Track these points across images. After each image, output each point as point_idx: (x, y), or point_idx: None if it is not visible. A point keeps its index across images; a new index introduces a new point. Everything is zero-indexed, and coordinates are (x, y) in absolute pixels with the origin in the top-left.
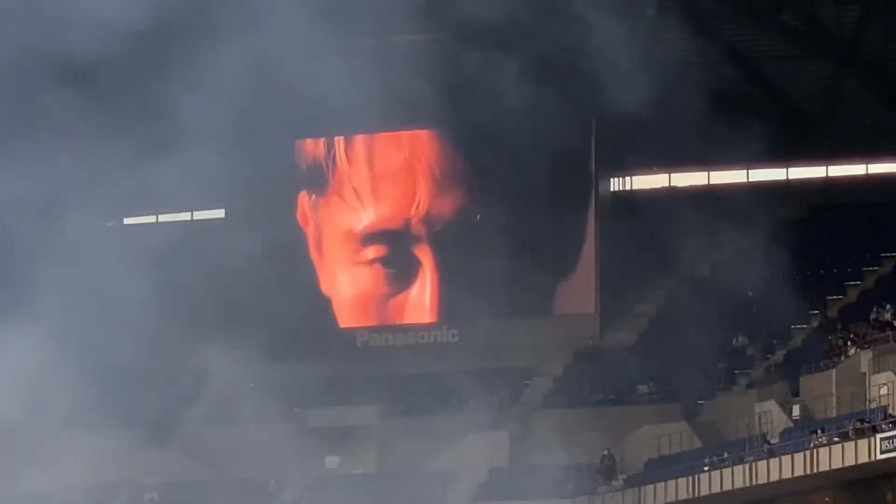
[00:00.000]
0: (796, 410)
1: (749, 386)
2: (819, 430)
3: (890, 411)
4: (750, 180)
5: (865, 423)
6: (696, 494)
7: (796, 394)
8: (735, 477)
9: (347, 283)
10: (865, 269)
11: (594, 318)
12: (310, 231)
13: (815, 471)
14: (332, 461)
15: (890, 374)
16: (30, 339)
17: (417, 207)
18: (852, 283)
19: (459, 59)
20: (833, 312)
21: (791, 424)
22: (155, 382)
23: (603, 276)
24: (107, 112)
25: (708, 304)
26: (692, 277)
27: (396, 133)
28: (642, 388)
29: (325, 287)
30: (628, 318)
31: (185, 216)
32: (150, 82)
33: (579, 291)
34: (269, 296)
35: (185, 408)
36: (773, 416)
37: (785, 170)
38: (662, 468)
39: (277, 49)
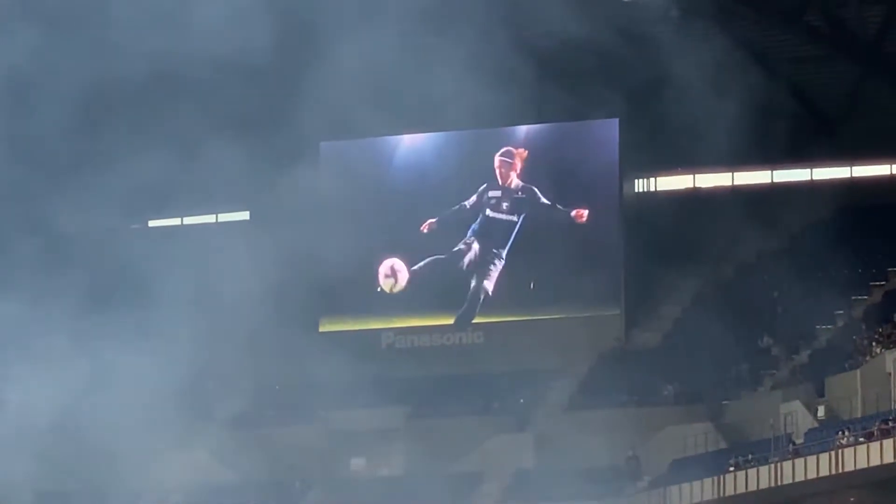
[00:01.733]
0: (821, 411)
1: (774, 386)
2: (844, 431)
3: None
4: (774, 181)
5: (891, 424)
6: (722, 495)
7: (821, 394)
8: (760, 477)
9: None
10: (890, 269)
11: (619, 320)
12: None
13: (840, 471)
14: (357, 463)
15: None
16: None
17: None
18: (877, 283)
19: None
20: (858, 313)
21: (816, 425)
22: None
23: (627, 278)
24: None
25: (732, 304)
26: (717, 278)
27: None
28: (667, 389)
29: None
30: (653, 320)
31: (210, 218)
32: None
33: (604, 293)
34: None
35: (210, 410)
36: (798, 416)
37: (809, 170)
38: (687, 469)
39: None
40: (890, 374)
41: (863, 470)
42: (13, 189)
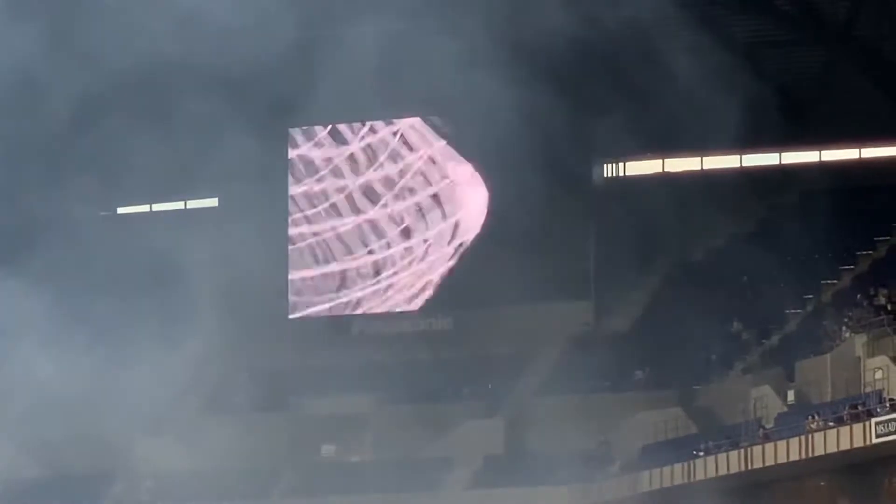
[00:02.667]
0: (791, 395)
1: (744, 371)
2: (814, 415)
3: (885, 395)
4: (743, 165)
5: (860, 408)
6: (692, 480)
7: (791, 379)
8: (730, 462)
9: None
10: (860, 253)
11: (589, 305)
12: None
13: (810, 455)
14: (328, 450)
15: (884, 358)
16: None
17: None
18: (847, 267)
19: (446, 46)
20: (828, 297)
21: (786, 409)
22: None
23: (597, 263)
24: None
25: (702, 289)
26: (686, 263)
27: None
28: (637, 375)
29: None
30: (623, 305)
31: (179, 205)
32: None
33: (573, 278)
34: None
35: (181, 398)
36: (768, 401)
37: (778, 155)
38: (658, 454)
39: None
40: (860, 358)
41: (833, 454)
42: None
